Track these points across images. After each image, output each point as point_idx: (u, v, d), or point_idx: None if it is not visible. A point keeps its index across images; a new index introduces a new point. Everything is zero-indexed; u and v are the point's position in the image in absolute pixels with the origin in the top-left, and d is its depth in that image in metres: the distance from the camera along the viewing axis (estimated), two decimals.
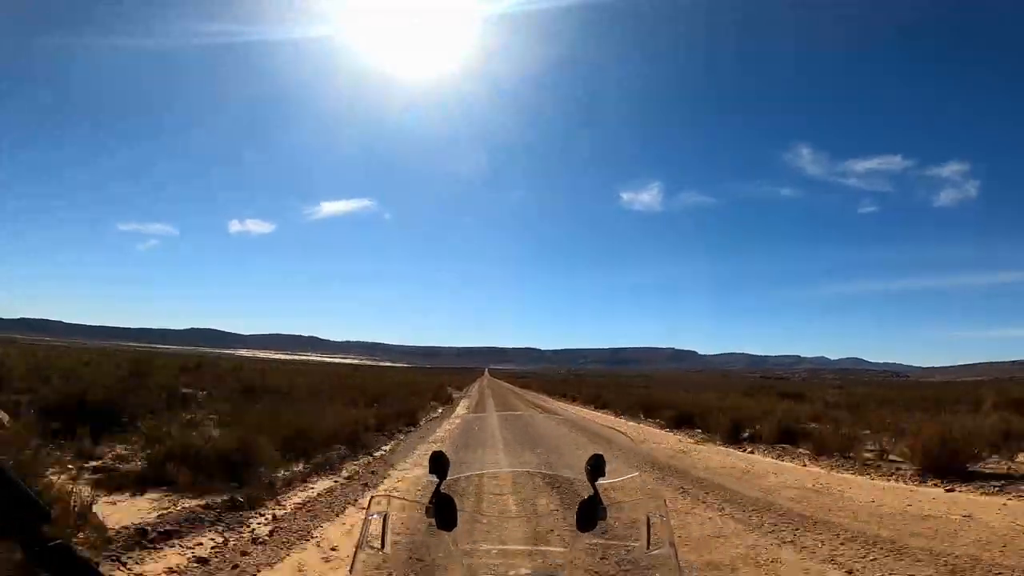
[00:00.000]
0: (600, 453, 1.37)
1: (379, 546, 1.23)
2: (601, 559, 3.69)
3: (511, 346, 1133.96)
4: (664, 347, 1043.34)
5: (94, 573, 0.70)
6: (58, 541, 0.68)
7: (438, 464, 1.34)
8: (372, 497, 1.30)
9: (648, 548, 1.25)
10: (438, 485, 1.32)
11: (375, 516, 1.25)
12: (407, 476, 8.21)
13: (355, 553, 1.21)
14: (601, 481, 1.33)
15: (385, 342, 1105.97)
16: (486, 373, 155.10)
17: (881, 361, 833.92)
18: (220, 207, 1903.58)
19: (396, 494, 1.53)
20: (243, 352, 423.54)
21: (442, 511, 1.27)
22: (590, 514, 1.28)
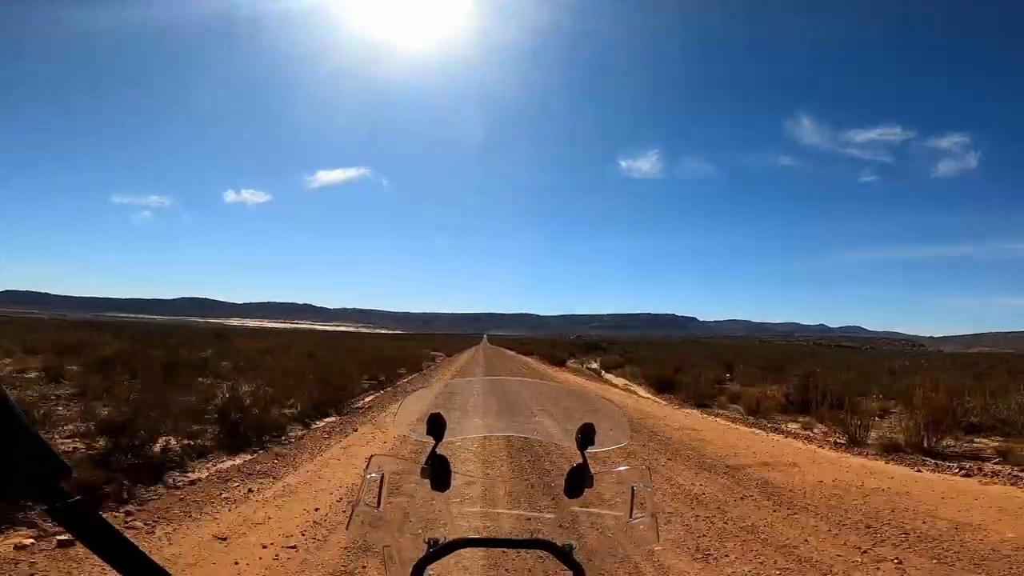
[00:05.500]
0: (591, 422, 1.36)
1: (375, 505, 1.23)
2: (587, 525, 3.45)
3: (509, 312, 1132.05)
4: (664, 313, 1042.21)
5: (112, 531, 0.68)
6: (78, 498, 0.65)
7: (435, 426, 1.34)
8: (370, 457, 1.28)
9: (630, 517, 1.27)
10: (434, 446, 1.31)
11: (373, 475, 1.25)
12: None
13: (352, 511, 1.22)
14: (591, 449, 1.33)
15: (381, 309, 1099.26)
16: (484, 340, 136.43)
17: (880, 329, 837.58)
18: (216, 178, 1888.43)
19: (394, 455, 1.48)
20: (234, 321, 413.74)
21: (437, 472, 1.29)
22: (578, 481, 1.30)
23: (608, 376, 27.57)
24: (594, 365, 34.94)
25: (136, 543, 0.69)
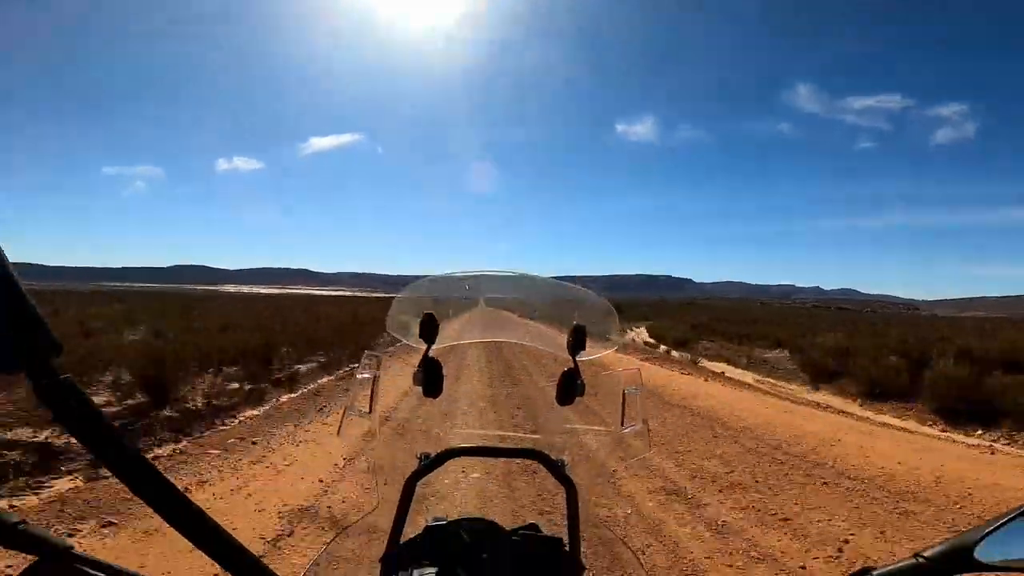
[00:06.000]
0: (582, 324, 1.25)
1: (367, 409, 1.17)
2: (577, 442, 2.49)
3: (504, 273, 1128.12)
4: (660, 275, 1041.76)
5: (96, 415, 0.64)
6: (66, 376, 0.62)
7: (428, 328, 1.23)
8: (363, 355, 1.21)
9: (621, 426, 1.22)
10: (426, 350, 1.22)
11: (364, 375, 1.19)
12: None
13: (343, 415, 1.16)
14: (582, 356, 1.25)
15: (378, 272, 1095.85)
16: (480, 304, 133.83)
17: (874, 293, 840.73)
18: (207, 146, 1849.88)
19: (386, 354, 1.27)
20: (229, 288, 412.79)
21: (429, 377, 1.21)
22: (570, 388, 1.24)
23: (705, 363, 16.60)
24: (642, 335, 25.64)
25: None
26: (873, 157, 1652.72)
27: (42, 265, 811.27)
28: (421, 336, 1.24)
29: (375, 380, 1.20)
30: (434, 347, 1.24)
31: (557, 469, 1.17)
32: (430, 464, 1.16)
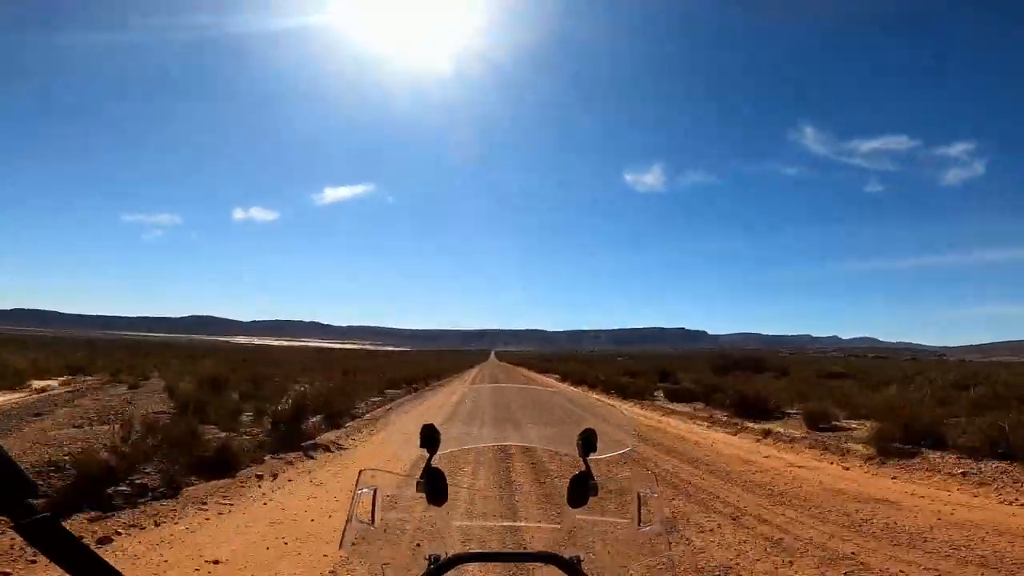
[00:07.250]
0: (592, 428, 1.31)
1: (369, 521, 1.20)
2: (592, 536, 2.63)
3: (518, 327, 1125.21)
4: (674, 327, 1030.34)
5: (79, 546, 0.70)
6: (45, 515, 0.67)
7: (429, 438, 1.31)
8: (361, 472, 1.25)
9: (639, 526, 1.23)
10: (429, 459, 1.29)
11: (365, 491, 1.22)
12: None
13: (345, 528, 1.19)
14: (593, 456, 1.30)
15: (390, 326, 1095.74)
16: (492, 357, 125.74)
17: (894, 340, 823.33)
18: (224, 196, 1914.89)
19: (385, 469, 1.38)
20: (241, 339, 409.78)
21: (433, 485, 1.26)
22: (581, 490, 1.26)
23: None
24: None
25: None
26: (884, 199, 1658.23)
27: (56, 311, 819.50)
28: (422, 446, 1.29)
29: (376, 492, 1.19)
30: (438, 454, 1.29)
31: (573, 568, 1.13)
32: (439, 568, 1.13)
